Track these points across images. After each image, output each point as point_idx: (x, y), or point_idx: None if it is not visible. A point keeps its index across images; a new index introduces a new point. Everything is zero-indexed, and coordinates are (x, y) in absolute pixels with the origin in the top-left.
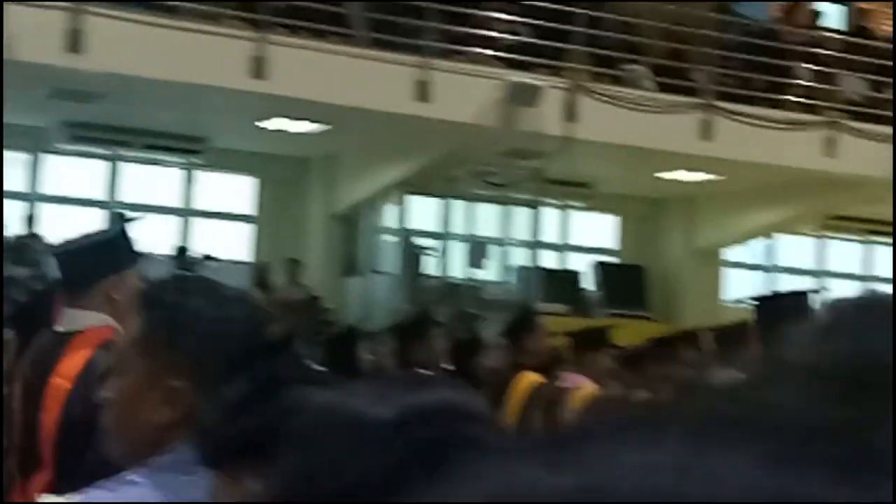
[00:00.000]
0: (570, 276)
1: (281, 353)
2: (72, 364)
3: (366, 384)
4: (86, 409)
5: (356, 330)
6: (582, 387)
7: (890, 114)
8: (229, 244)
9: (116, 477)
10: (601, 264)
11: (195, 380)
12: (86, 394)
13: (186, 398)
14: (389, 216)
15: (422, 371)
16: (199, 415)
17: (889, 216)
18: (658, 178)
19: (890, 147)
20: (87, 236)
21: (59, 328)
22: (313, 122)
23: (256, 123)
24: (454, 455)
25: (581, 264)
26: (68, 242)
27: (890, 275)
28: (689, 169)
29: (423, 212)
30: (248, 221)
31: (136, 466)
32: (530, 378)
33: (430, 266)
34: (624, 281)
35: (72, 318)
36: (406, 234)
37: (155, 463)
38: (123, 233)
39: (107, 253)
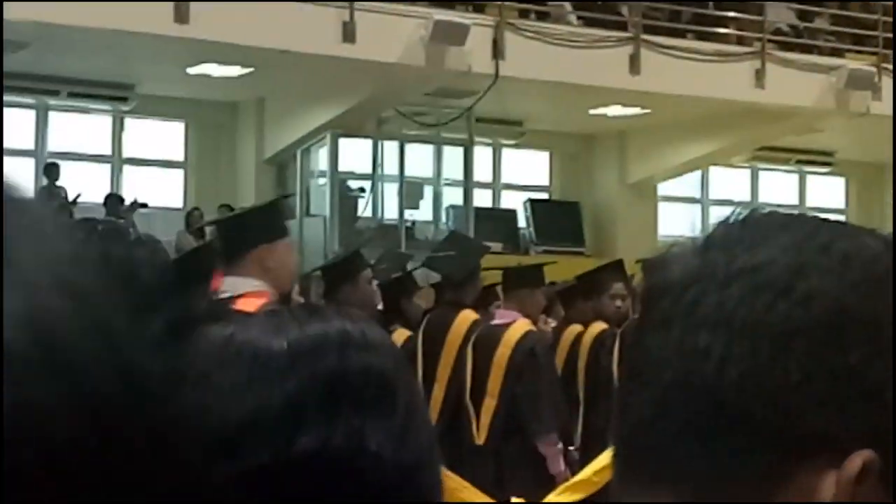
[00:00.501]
0: (504, 215)
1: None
2: None
3: (261, 317)
4: None
5: None
6: (515, 323)
7: (818, 43)
8: (160, 191)
9: None
10: (535, 201)
11: None
12: None
13: None
14: (321, 159)
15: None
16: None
17: (819, 145)
18: (589, 114)
19: (818, 76)
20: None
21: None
22: (244, 66)
23: (186, 70)
24: (349, 384)
25: (515, 202)
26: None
27: (822, 203)
28: (620, 104)
29: (354, 153)
30: (178, 168)
31: None
32: (470, 316)
33: (362, 208)
34: (558, 217)
35: (231, 285)
36: (338, 176)
37: None
38: (277, 203)
39: (261, 222)
